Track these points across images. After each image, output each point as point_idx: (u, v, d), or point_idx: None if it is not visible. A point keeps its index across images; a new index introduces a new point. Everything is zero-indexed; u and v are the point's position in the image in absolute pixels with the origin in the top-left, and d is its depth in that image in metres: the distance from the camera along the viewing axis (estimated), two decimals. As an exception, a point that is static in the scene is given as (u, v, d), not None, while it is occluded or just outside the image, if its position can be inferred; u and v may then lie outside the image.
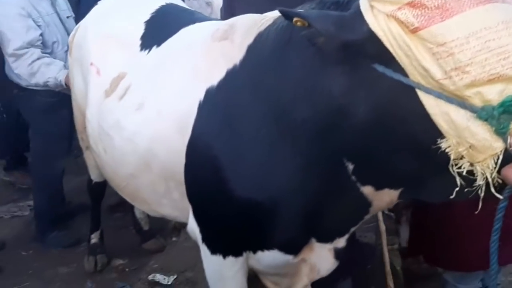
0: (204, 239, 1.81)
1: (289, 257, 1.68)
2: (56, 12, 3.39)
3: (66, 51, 3.26)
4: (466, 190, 1.09)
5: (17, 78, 3.35)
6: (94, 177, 3.04)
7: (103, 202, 3.32)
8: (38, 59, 3.18)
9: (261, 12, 1.71)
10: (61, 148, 3.56)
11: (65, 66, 3.18)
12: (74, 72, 2.61)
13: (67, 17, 3.42)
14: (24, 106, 3.53)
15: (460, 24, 1.00)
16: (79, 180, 3.93)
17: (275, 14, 1.62)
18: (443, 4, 1.01)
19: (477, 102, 1.00)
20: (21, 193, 4.23)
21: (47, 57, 3.23)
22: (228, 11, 2.52)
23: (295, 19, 1.21)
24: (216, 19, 2.45)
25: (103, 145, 2.18)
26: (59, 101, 3.37)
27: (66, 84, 3.11)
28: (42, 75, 3.18)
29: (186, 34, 2.01)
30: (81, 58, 2.45)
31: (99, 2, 2.78)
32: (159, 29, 2.16)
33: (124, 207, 3.52)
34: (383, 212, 3.62)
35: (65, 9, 3.53)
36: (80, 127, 2.72)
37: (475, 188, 1.07)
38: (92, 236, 3.31)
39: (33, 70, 3.17)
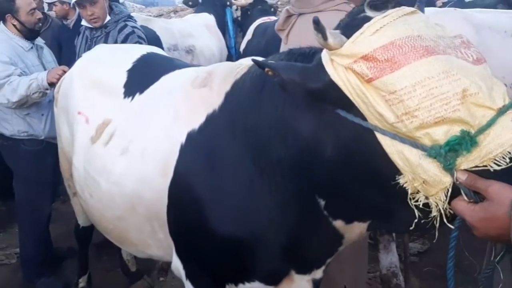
0: (188, 276, 1.88)
1: None
2: (42, 63, 3.50)
3: (49, 101, 3.37)
4: (423, 221, 1.19)
5: (0, 127, 3.42)
6: (81, 222, 3.08)
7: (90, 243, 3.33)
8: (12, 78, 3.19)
9: None
10: (46, 195, 3.60)
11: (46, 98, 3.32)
12: (60, 121, 2.70)
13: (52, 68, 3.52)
14: (8, 155, 3.58)
15: (407, 74, 1.12)
16: (66, 225, 3.94)
17: (248, 62, 1.76)
18: (392, 58, 1.13)
19: (427, 142, 1.12)
20: (8, 241, 4.20)
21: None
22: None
23: (266, 69, 1.34)
24: (197, 65, 2.59)
25: (89, 190, 2.25)
26: (42, 149, 3.46)
27: (50, 84, 3.12)
28: (23, 83, 3.16)
29: (167, 81, 2.13)
30: (67, 107, 2.55)
31: (83, 54, 2.91)
32: (141, 77, 2.27)
33: (111, 247, 3.52)
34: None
35: (50, 61, 3.65)
36: (67, 174, 2.79)
37: (430, 219, 1.17)
38: (80, 280, 3.32)
39: (13, 86, 3.16)
